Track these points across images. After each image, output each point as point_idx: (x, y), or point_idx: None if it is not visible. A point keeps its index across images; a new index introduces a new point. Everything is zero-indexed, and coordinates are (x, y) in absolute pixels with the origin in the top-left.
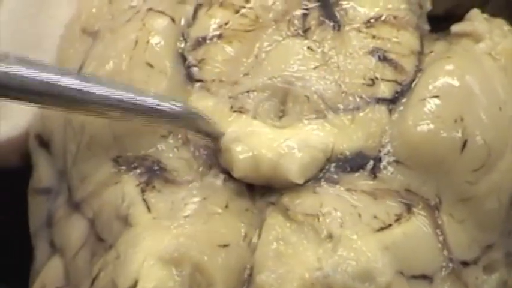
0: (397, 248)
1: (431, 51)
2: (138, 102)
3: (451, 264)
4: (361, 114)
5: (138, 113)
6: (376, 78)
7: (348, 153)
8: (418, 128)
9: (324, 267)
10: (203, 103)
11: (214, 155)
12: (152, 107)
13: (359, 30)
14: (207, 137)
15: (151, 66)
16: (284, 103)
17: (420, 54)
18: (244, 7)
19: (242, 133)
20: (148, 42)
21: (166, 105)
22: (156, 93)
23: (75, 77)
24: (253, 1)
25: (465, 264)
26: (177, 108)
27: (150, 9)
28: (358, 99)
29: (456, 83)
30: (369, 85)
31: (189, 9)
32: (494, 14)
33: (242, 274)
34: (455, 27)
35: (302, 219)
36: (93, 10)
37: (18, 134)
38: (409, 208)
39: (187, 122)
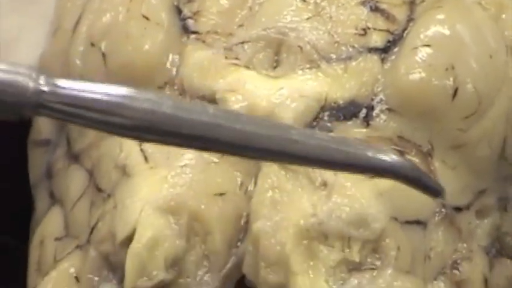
0: (390, 194)
1: (423, 1)
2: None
3: (444, 210)
4: (353, 63)
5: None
6: (368, 28)
7: (341, 101)
8: (410, 76)
9: (318, 214)
10: (198, 54)
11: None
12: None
13: None
14: (424, 192)
15: (147, 18)
16: (278, 53)
17: (412, 3)
18: None
19: (237, 83)
20: None
21: (385, 157)
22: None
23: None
24: None
25: (458, 209)
26: (399, 161)
27: None
28: (350, 49)
29: (447, 32)
30: (361, 35)
31: None
32: None
33: (239, 222)
34: None
35: (297, 168)
36: None
37: None
38: (401, 154)
39: (406, 174)
